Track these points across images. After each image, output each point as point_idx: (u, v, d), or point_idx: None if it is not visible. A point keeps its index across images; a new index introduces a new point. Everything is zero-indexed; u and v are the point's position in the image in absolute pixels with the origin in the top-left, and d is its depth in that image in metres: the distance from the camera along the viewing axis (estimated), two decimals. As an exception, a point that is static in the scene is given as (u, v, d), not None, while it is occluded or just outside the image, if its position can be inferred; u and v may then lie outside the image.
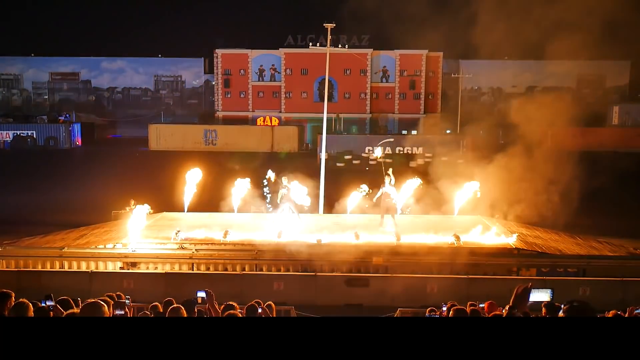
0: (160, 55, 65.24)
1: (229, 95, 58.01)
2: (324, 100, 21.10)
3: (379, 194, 17.32)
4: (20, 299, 5.83)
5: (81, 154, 47.52)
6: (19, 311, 5.59)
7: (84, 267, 14.88)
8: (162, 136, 48.78)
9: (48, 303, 6.99)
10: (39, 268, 14.83)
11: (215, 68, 58.51)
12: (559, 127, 42.08)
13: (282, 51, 56.67)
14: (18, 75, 65.29)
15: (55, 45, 62.93)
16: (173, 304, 7.91)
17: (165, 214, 19.26)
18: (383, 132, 51.63)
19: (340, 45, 22.02)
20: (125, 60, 65.07)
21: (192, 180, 18.46)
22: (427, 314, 9.34)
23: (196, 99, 66.10)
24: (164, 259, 15.09)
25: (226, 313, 6.87)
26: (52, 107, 62.92)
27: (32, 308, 5.79)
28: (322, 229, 16.85)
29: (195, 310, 7.59)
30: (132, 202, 19.32)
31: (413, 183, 18.23)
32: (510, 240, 15.93)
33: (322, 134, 21.52)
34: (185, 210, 19.01)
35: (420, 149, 40.46)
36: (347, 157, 39.77)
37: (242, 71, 57.74)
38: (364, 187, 17.72)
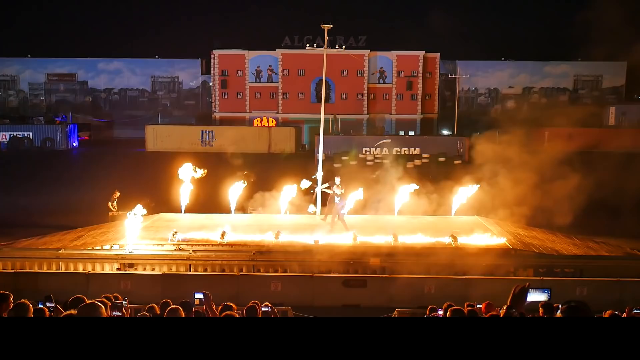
0: (157, 56, 65.19)
1: (226, 96, 58.02)
2: (321, 101, 21.10)
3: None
4: (22, 300, 5.80)
5: (78, 155, 47.45)
6: (19, 312, 5.57)
7: (80, 269, 14.86)
8: (159, 137, 48.73)
9: (48, 304, 6.97)
10: (36, 269, 14.80)
11: (212, 69, 58.51)
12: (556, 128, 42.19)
13: (279, 52, 56.69)
14: (14, 77, 65.17)
15: (52, 46, 62.92)
16: (170, 305, 7.91)
17: (162, 214, 19.25)
18: (380, 133, 51.68)
19: (337, 46, 22.03)
20: (122, 61, 65.00)
21: (186, 177, 18.61)
22: (427, 314, 9.34)
23: (193, 100, 66.05)
24: (161, 260, 15.09)
25: (224, 314, 6.87)
26: (48, 108, 62.81)
27: (32, 309, 5.77)
28: (320, 230, 16.85)
29: (193, 311, 7.58)
30: (117, 193, 19.40)
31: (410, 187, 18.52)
32: (500, 240, 16.01)
33: (319, 134, 21.52)
34: (183, 211, 19.02)
35: (417, 149, 40.49)
36: (344, 157, 39.81)
37: (239, 72, 57.75)
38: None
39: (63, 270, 14.82)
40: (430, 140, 43.67)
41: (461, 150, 40.22)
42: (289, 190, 18.58)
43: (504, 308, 3.92)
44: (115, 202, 19.37)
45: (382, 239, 16.16)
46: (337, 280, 14.00)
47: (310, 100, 56.36)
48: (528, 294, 3.98)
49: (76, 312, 5.06)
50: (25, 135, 48.75)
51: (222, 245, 15.76)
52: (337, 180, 17.59)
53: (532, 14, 63.16)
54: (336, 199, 17.14)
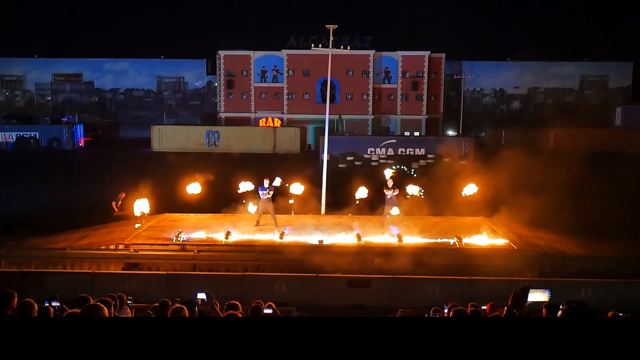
0: (162, 57, 65.38)
1: (232, 97, 58.07)
2: (326, 102, 21.11)
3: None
4: (26, 299, 5.82)
5: (84, 155, 47.60)
6: (24, 311, 5.59)
7: (86, 268, 14.93)
8: (165, 137, 48.88)
9: (54, 304, 7.00)
10: (42, 269, 14.87)
11: (217, 69, 58.58)
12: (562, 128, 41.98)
13: (284, 52, 56.71)
14: (21, 77, 65.50)
15: (58, 47, 63.16)
16: (169, 305, 7.94)
17: (167, 214, 19.30)
18: (385, 133, 51.63)
19: (342, 47, 22.01)
20: (128, 61, 65.23)
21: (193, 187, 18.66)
22: (431, 314, 9.33)
23: (198, 100, 66.22)
24: (166, 260, 15.13)
25: (228, 312, 6.89)
26: (55, 108, 63.09)
27: (36, 308, 5.79)
28: (324, 230, 16.88)
29: (196, 310, 7.61)
30: (123, 195, 19.56)
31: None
32: (505, 241, 15.98)
33: (324, 135, 21.55)
34: (188, 211, 19.08)
35: (422, 150, 40.41)
36: (349, 158, 39.78)
37: (244, 72, 57.79)
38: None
39: (68, 269, 14.89)
40: (436, 140, 43.56)
41: (466, 150, 40.09)
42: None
43: (505, 309, 3.92)
44: (119, 202, 19.48)
45: (386, 239, 16.18)
46: (341, 280, 14.00)
47: (315, 100, 56.35)
48: (529, 295, 3.98)
49: (79, 311, 5.08)
50: (32, 135, 48.99)
51: (227, 245, 15.80)
52: (278, 180, 17.74)
53: (538, 14, 62.91)
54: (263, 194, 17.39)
